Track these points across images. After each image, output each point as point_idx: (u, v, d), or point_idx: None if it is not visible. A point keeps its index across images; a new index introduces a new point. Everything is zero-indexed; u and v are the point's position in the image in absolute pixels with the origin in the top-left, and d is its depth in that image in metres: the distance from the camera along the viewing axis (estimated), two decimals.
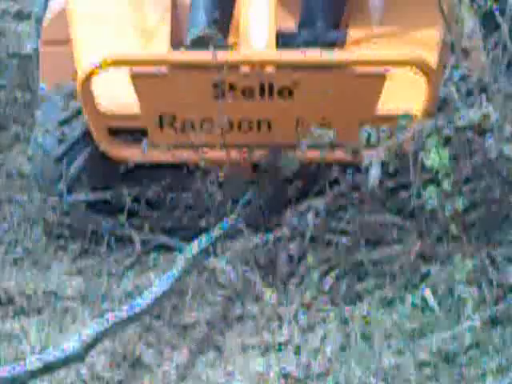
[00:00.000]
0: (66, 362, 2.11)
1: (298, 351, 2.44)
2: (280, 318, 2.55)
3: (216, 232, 2.50)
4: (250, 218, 2.59)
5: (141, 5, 2.80)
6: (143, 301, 2.28)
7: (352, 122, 2.38)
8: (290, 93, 2.34)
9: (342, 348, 2.45)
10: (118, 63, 2.35)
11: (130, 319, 2.28)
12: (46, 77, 2.89)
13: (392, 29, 2.65)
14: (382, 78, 2.32)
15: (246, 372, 2.37)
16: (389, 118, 2.37)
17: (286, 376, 2.33)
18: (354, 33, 2.64)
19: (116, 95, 2.45)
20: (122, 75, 2.34)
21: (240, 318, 2.59)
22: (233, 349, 2.47)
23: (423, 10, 2.61)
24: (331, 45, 2.52)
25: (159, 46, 2.59)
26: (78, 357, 2.11)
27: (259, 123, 2.40)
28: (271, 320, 2.55)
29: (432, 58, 2.39)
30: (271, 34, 2.37)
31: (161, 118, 2.42)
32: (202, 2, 2.63)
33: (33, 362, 2.04)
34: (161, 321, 2.58)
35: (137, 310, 2.25)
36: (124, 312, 2.24)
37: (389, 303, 2.60)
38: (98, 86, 2.39)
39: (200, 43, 2.42)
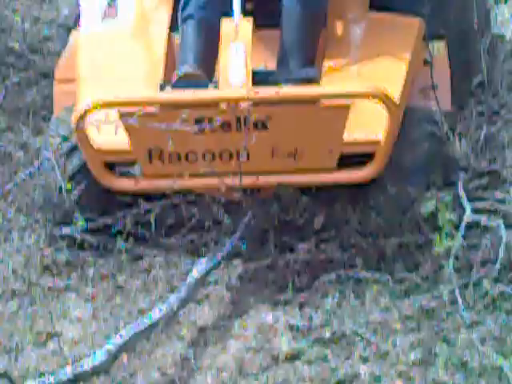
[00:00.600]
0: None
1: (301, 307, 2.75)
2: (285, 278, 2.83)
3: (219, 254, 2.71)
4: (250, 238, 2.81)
5: (139, 48, 3.05)
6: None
7: (322, 149, 2.56)
8: (264, 125, 2.47)
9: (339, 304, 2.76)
10: (107, 105, 2.47)
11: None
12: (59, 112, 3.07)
13: (363, 64, 2.84)
14: (346, 109, 2.45)
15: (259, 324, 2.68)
16: (355, 144, 2.58)
17: (291, 327, 2.65)
18: (329, 67, 2.82)
19: (109, 132, 2.44)
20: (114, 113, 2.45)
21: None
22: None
23: (391, 48, 2.83)
24: (305, 80, 2.66)
25: (151, 86, 2.75)
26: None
27: (238, 153, 2.49)
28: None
29: (396, 92, 2.56)
30: (247, 73, 2.52)
31: (149, 152, 2.55)
32: (189, 43, 2.80)
33: None
34: None
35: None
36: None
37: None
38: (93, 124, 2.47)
39: (185, 81, 2.59)
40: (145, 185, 2.67)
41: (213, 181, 2.56)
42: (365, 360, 2.54)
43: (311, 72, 2.72)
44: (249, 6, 2.82)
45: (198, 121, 2.40)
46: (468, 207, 2.94)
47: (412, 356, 2.52)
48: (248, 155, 2.49)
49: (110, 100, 2.49)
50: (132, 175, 2.69)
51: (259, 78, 2.59)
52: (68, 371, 2.33)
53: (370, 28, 2.99)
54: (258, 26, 2.72)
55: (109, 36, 3.12)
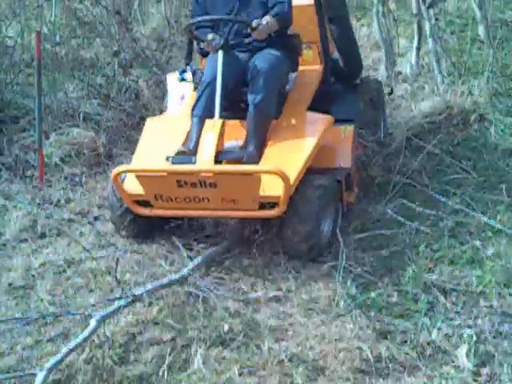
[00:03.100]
0: None
1: None
2: None
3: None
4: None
5: (174, 129, 4.41)
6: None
7: (249, 199, 3.77)
8: (215, 185, 3.70)
9: None
10: (128, 171, 3.94)
11: None
12: None
13: (282, 148, 4.11)
14: (258, 177, 3.67)
15: None
16: (267, 197, 3.76)
17: None
18: (268, 150, 4.08)
19: (134, 183, 3.91)
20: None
21: None
22: None
23: (302, 137, 4.23)
24: (250, 159, 3.96)
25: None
26: None
27: (203, 199, 3.81)
28: None
29: (294, 170, 3.81)
30: (212, 154, 3.80)
31: (155, 195, 3.87)
32: (191, 131, 4.15)
33: None
34: None
35: None
36: None
37: None
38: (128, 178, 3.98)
39: (181, 156, 3.97)
40: (154, 212, 4.03)
41: (190, 213, 4.04)
42: None
43: (248, 153, 4.01)
44: (225, 114, 4.07)
45: (178, 181, 3.74)
46: None
47: None
48: (208, 200, 3.82)
49: (129, 168, 3.99)
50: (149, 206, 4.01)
51: (223, 155, 3.95)
52: None
53: (298, 122, 4.36)
54: (237, 118, 4.28)
55: (166, 118, 4.83)
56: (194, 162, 3.82)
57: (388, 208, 4.53)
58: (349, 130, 4.50)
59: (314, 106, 4.51)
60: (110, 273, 3.88)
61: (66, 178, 5.20)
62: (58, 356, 3.04)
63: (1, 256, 4.23)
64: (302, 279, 3.79)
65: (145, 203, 3.99)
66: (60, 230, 4.48)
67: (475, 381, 2.99)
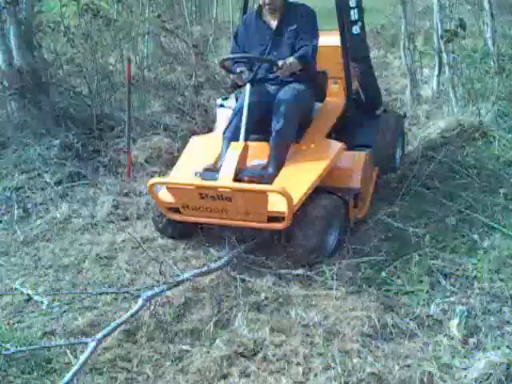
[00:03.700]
0: None
1: None
2: None
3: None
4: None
5: (212, 152, 4.14)
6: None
7: (259, 212, 3.55)
8: (230, 199, 3.50)
9: None
10: (159, 183, 3.77)
11: None
12: None
13: (293, 170, 3.87)
14: (265, 195, 3.45)
15: None
16: (274, 212, 3.54)
17: None
18: (283, 170, 3.86)
19: (166, 193, 3.75)
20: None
21: None
22: None
23: (314, 160, 3.93)
24: (267, 178, 3.78)
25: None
26: None
27: (222, 210, 3.60)
28: None
29: (299, 192, 3.58)
30: (232, 172, 3.62)
31: (183, 205, 3.71)
32: (221, 151, 3.99)
33: None
34: None
35: None
36: None
37: None
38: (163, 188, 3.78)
39: (208, 171, 3.86)
40: (183, 218, 3.82)
41: (212, 221, 3.76)
42: None
43: (267, 173, 3.83)
44: (255, 137, 4.03)
45: (200, 194, 3.55)
46: None
47: None
48: (225, 211, 3.60)
49: (161, 181, 3.85)
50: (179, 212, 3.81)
51: (245, 173, 3.75)
52: None
53: (315, 147, 4.08)
54: (265, 141, 4.06)
55: (207, 137, 4.64)
56: (217, 179, 3.67)
57: (401, 206, 4.45)
58: (361, 155, 4.20)
59: (339, 132, 4.36)
60: (175, 249, 4.01)
61: (147, 175, 5.25)
62: (108, 328, 2.98)
63: (92, 233, 4.36)
64: (326, 262, 3.75)
65: (176, 210, 3.81)
66: (139, 214, 4.57)
67: (463, 348, 2.94)
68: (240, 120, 3.85)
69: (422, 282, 3.49)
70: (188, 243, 4.10)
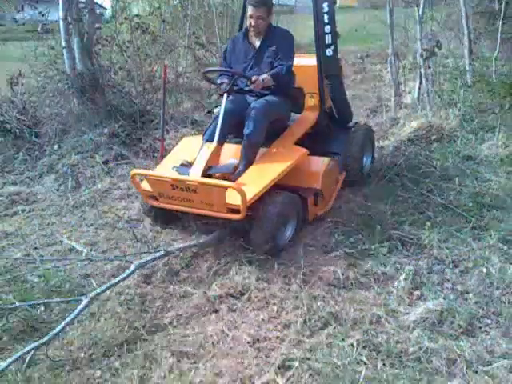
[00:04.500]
0: None
1: None
2: None
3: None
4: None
5: (195, 150, 3.80)
6: None
7: (220, 204, 3.31)
8: (196, 191, 3.30)
9: None
10: (139, 174, 3.56)
11: None
12: None
13: (257, 170, 3.63)
14: (223, 189, 3.26)
15: None
16: (231, 204, 3.29)
17: None
18: (249, 169, 3.62)
19: (146, 184, 3.57)
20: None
21: None
22: None
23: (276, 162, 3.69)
24: (235, 175, 3.57)
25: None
26: None
27: (188, 199, 3.39)
28: None
29: (255, 188, 3.35)
30: (200, 169, 3.46)
31: (159, 193, 3.51)
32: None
33: None
34: None
35: None
36: None
37: None
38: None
39: (182, 166, 3.66)
40: (160, 205, 3.59)
41: (183, 208, 3.48)
42: None
43: (238, 172, 3.62)
44: (235, 140, 3.93)
45: (171, 185, 3.36)
46: None
47: None
48: (193, 201, 3.38)
49: (139, 172, 3.55)
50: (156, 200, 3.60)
51: (213, 170, 3.56)
52: None
53: (281, 151, 3.84)
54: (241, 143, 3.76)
55: (194, 138, 4.30)
56: (189, 173, 3.51)
57: (374, 190, 4.46)
58: (326, 160, 4.00)
59: (314, 140, 4.24)
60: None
61: None
62: (98, 289, 2.86)
63: (127, 201, 4.47)
64: (307, 229, 3.82)
65: (154, 197, 3.61)
66: None
67: (408, 298, 2.98)
68: (217, 124, 3.68)
69: (382, 246, 3.54)
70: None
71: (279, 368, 2.34)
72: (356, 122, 4.89)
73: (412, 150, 5.11)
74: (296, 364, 2.35)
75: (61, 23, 6.01)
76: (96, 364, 2.46)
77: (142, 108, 6.35)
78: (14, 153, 5.43)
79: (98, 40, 6.60)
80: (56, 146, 5.50)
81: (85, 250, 3.50)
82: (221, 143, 3.69)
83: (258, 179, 3.50)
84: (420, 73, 6.70)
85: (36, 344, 2.46)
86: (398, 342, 2.58)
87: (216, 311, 2.86)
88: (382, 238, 3.61)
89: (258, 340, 2.56)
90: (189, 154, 3.90)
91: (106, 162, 5.22)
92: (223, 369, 2.34)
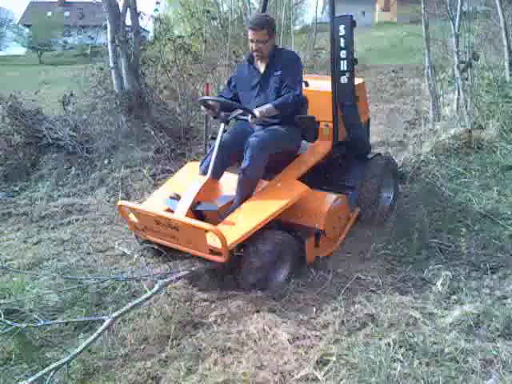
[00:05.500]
0: None
1: None
2: None
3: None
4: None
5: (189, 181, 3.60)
6: None
7: (201, 245, 3.09)
8: (178, 229, 3.11)
9: None
10: (124, 206, 3.40)
11: None
12: None
13: (250, 207, 3.40)
14: (203, 231, 3.03)
15: None
16: (213, 247, 3.09)
17: None
18: (242, 207, 3.39)
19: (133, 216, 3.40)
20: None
21: None
22: None
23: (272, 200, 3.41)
24: (221, 213, 3.37)
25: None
26: None
27: (173, 236, 3.19)
28: None
29: (236, 232, 3.14)
30: (186, 206, 3.27)
31: (144, 227, 3.36)
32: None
33: None
34: None
35: None
36: None
37: None
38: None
39: (173, 199, 3.49)
40: (146, 237, 3.45)
41: (167, 243, 3.30)
42: None
43: (214, 208, 3.40)
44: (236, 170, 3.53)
45: (156, 221, 3.19)
46: None
47: None
48: (175, 237, 3.19)
49: (124, 204, 3.40)
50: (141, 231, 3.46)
51: (200, 206, 3.34)
52: None
53: (282, 186, 3.55)
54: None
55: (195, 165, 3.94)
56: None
57: (410, 199, 4.51)
58: (332, 196, 3.68)
59: (328, 171, 4.01)
60: None
61: None
62: (123, 309, 2.82)
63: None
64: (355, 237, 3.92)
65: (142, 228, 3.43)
66: None
67: (445, 302, 3.04)
68: (213, 156, 3.47)
69: (420, 253, 3.60)
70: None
71: (317, 363, 2.46)
72: (378, 153, 4.47)
73: (450, 160, 5.14)
74: (334, 359, 2.46)
75: (109, 45, 6.40)
76: (146, 357, 2.64)
77: (185, 125, 6.61)
78: (67, 168, 5.78)
79: (144, 60, 6.95)
80: (106, 161, 5.82)
81: (135, 256, 3.71)
82: (217, 176, 3.52)
83: (247, 219, 3.25)
84: (458, 85, 6.72)
85: (58, 363, 2.42)
86: (434, 342, 2.64)
87: (257, 311, 2.98)
88: (420, 245, 3.67)
89: (297, 338, 2.68)
90: (185, 183, 3.65)
91: (152, 176, 5.48)
92: (264, 363, 2.48)
